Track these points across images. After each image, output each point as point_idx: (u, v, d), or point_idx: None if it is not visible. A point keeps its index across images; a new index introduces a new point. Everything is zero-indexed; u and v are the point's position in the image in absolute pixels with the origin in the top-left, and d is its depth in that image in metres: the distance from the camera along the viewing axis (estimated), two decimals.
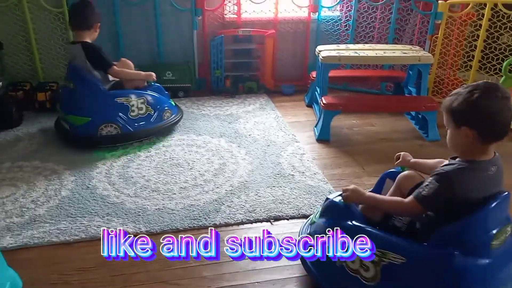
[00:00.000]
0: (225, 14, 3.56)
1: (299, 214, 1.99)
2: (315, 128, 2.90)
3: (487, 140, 1.28)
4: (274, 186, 2.21)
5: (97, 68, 2.60)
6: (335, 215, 1.50)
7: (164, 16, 3.42)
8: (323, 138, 2.76)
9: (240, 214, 1.98)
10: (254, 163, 2.43)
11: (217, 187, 2.19)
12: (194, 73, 3.53)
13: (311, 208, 2.02)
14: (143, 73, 2.74)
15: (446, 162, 1.51)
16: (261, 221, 1.95)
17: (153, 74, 2.76)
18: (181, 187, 2.19)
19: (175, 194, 2.13)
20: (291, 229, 1.89)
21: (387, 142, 2.81)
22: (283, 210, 2.02)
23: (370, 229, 1.40)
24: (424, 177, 1.58)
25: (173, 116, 2.80)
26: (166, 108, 2.75)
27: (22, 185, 2.19)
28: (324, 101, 2.75)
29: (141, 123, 2.64)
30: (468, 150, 1.31)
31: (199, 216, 1.95)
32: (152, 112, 2.67)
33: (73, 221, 1.92)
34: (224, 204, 2.05)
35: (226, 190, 2.17)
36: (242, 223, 1.94)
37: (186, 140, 2.71)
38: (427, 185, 1.32)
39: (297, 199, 2.10)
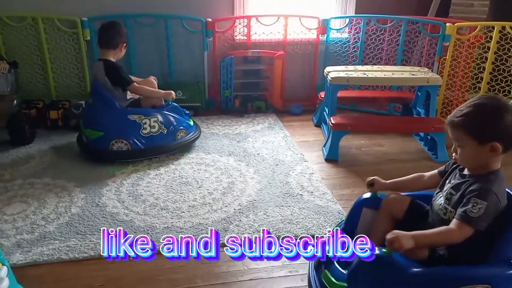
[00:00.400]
0: (235, 36, 3.62)
1: (307, 234, 1.98)
2: (323, 148, 2.90)
3: (508, 150, 1.32)
4: (282, 206, 2.21)
5: (116, 85, 2.67)
6: (381, 271, 1.27)
7: (175, 37, 3.49)
8: (332, 158, 2.77)
9: (249, 233, 1.98)
10: (262, 182, 2.44)
11: (226, 206, 2.20)
12: (204, 92, 3.58)
13: (320, 229, 2.01)
14: (162, 91, 2.79)
15: (428, 174, 1.54)
16: None
17: (173, 93, 2.81)
18: (190, 206, 2.20)
19: (183, 212, 2.14)
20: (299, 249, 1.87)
21: (396, 163, 2.81)
22: (291, 230, 2.01)
23: (445, 270, 1.28)
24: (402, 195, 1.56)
25: (188, 136, 2.81)
26: (180, 128, 2.76)
27: (33, 202, 2.21)
28: (332, 121, 2.77)
29: (152, 141, 2.67)
30: (489, 163, 1.34)
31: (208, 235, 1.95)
32: (165, 131, 2.69)
33: (82, 238, 1.93)
34: (232, 223, 2.05)
35: (234, 209, 2.17)
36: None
37: (195, 158, 2.73)
38: (474, 205, 1.29)
39: (306, 219, 2.10)
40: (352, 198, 2.32)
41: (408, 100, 3.29)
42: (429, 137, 2.94)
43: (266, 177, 2.50)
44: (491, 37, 3.15)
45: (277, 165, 2.66)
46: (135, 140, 2.63)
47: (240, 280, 1.70)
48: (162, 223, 2.04)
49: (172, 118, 2.75)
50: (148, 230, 1.99)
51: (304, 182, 2.45)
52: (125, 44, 2.73)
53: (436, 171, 1.54)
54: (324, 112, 3.18)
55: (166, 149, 2.72)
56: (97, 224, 2.02)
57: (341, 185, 2.47)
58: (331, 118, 2.81)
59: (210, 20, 3.44)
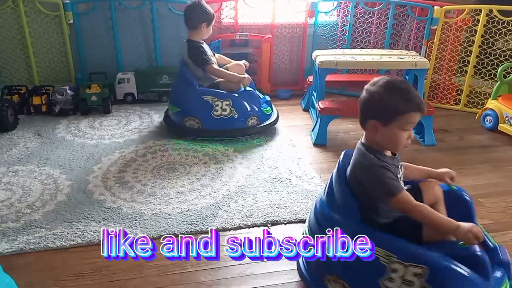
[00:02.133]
0: (222, 19, 3.56)
1: (296, 218, 1.99)
2: (311, 132, 2.90)
3: None
4: (271, 191, 2.21)
5: (197, 65, 2.74)
6: None
7: (161, 20, 3.41)
8: (320, 142, 2.77)
9: (238, 218, 1.98)
10: (251, 168, 2.43)
11: (214, 192, 2.19)
12: None
13: (308, 213, 2.01)
14: (238, 76, 2.79)
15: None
16: (258, 225, 1.95)
17: (246, 78, 2.80)
18: (178, 192, 2.18)
19: (171, 198, 2.12)
20: (288, 233, 1.88)
21: None
22: (280, 214, 2.02)
23: None
24: None
25: (259, 123, 2.82)
26: (252, 114, 2.77)
27: (17, 190, 2.17)
28: (321, 106, 2.76)
29: (222, 123, 2.73)
30: None
31: (196, 221, 1.95)
32: (236, 115, 2.72)
33: (69, 226, 1.90)
34: (221, 209, 2.05)
35: (223, 194, 2.17)
36: (240, 227, 1.93)
37: (183, 144, 2.70)
38: None
39: (294, 203, 2.10)
40: None
41: None
42: None
43: (255, 162, 2.49)
44: (478, 20, 3.16)
45: (265, 150, 2.65)
46: (206, 120, 2.71)
47: (230, 265, 1.71)
48: (150, 210, 2.03)
49: (245, 104, 2.75)
50: (136, 217, 1.97)
51: (292, 167, 2.45)
52: (205, 23, 2.74)
53: (405, 190, 1.37)
54: (313, 97, 3.17)
55: (235, 133, 2.76)
56: (84, 212, 2.00)
57: (329, 169, 2.48)
58: (319, 102, 2.80)
59: None
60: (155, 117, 3.10)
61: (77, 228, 1.89)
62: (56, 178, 2.28)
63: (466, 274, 1.23)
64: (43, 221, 1.93)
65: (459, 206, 1.46)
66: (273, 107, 3.01)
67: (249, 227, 1.94)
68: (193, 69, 2.77)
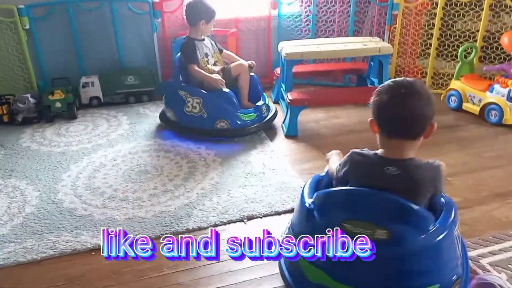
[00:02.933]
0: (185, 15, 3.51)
1: (272, 211, 2.00)
2: (283, 124, 2.91)
3: (386, 135, 1.38)
4: (245, 186, 2.20)
5: (185, 61, 2.75)
6: None
7: (122, 21, 3.34)
8: (291, 133, 2.78)
9: (213, 216, 1.97)
10: (224, 164, 2.42)
11: (188, 191, 2.17)
12: (157, 76, 3.47)
13: (283, 205, 2.03)
14: (212, 77, 2.72)
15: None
16: (234, 221, 1.94)
17: (219, 80, 2.71)
18: (151, 194, 2.15)
19: (144, 202, 2.09)
20: (265, 227, 1.88)
21: (354, 133, 2.85)
22: (256, 209, 2.01)
23: None
24: None
25: (229, 127, 2.69)
26: (221, 117, 2.68)
27: None
28: (290, 97, 2.76)
29: (191, 121, 2.72)
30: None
31: (171, 223, 1.92)
32: (205, 115, 2.68)
33: (39, 238, 1.85)
34: (196, 208, 2.03)
35: (197, 193, 2.15)
36: (215, 225, 1.92)
37: (153, 145, 2.66)
38: None
39: (269, 196, 2.11)
40: (314, 172, 2.33)
41: (362, 70, 3.33)
42: None
43: (228, 158, 2.48)
44: (437, 4, 3.22)
45: (238, 144, 2.64)
46: (180, 115, 2.74)
47: (207, 264, 1.70)
48: (123, 215, 1.99)
49: (216, 105, 2.68)
50: (108, 223, 1.93)
51: (265, 160, 2.45)
52: (204, 21, 2.73)
53: None
54: (281, 88, 3.17)
55: (202, 132, 2.72)
56: (54, 222, 1.95)
57: (302, 160, 2.49)
58: (287, 94, 2.81)
59: (157, 0, 3.31)
60: (123, 119, 3.04)
61: (48, 240, 1.83)
62: (23, 190, 2.21)
63: None
64: (11, 235, 1.87)
65: None
66: (268, 113, 2.84)
67: (225, 224, 1.93)
68: (183, 65, 2.77)
